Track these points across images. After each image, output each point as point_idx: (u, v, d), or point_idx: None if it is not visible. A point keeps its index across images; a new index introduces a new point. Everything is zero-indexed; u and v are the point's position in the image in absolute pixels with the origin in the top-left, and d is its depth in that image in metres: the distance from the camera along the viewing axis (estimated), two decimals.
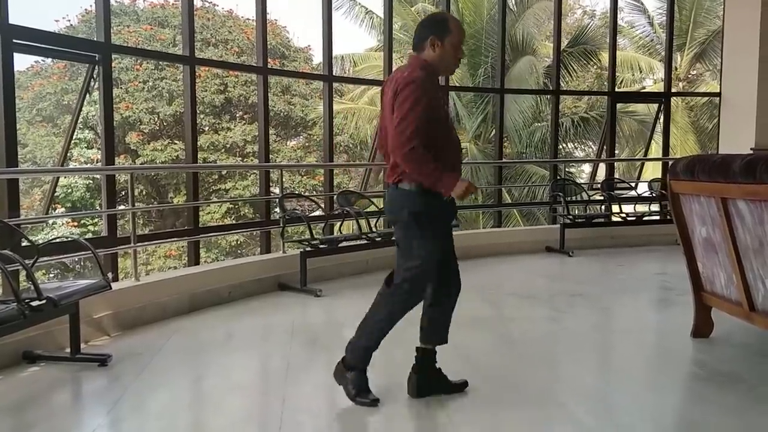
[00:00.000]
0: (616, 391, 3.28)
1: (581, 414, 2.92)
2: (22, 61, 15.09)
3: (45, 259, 4.01)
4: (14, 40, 4.27)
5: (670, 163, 3.92)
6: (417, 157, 2.70)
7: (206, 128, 14.52)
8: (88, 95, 5.14)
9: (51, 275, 12.98)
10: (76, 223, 13.71)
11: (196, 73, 14.13)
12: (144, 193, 15.08)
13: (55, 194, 13.81)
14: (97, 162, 13.49)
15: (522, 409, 2.98)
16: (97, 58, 4.96)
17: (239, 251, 14.65)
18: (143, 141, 14.15)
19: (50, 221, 13.62)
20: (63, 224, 13.73)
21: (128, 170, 5.70)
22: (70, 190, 13.58)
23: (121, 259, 13.75)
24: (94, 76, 4.94)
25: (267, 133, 6.61)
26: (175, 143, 14.03)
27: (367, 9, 15.89)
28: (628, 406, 3.05)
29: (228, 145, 14.28)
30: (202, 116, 14.45)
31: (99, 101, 4.95)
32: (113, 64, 14.06)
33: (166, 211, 14.52)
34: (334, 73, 16.28)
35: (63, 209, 13.87)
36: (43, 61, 14.95)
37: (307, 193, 12.89)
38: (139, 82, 14.11)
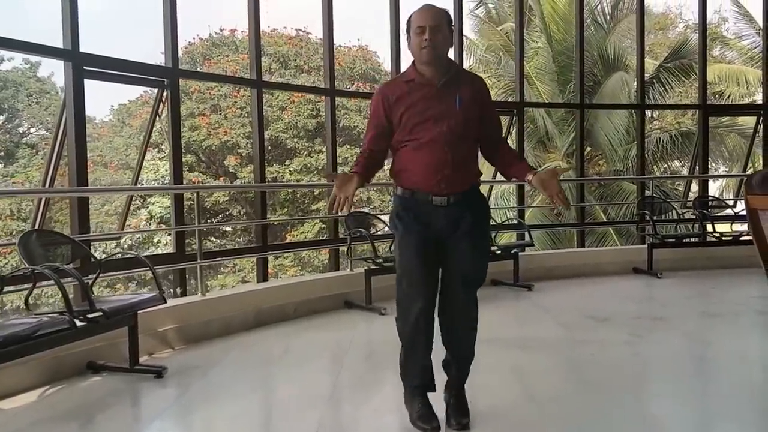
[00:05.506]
0: (688, 427, 2.98)
1: None
2: (132, 92, 16.18)
3: (108, 274, 4.22)
4: (85, 67, 4.57)
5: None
6: None
7: (301, 151, 14.94)
8: (158, 118, 5.38)
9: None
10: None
11: (290, 99, 14.75)
12: (242, 212, 15.68)
13: (160, 215, 14.69)
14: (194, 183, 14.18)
15: None
16: (165, 83, 5.22)
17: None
18: (241, 164, 14.80)
19: (155, 240, 14.50)
20: (166, 244, 14.51)
21: (193, 189, 5.94)
22: (170, 212, 14.30)
23: (221, 276, 14.45)
24: (163, 100, 5.19)
25: (334, 153, 6.74)
26: (271, 166, 14.52)
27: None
28: None
29: (320, 167, 14.61)
30: (296, 140, 14.89)
31: (168, 124, 5.19)
32: (212, 92, 14.75)
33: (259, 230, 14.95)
34: None
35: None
36: (152, 90, 15.99)
37: None
38: (237, 108, 14.76)
